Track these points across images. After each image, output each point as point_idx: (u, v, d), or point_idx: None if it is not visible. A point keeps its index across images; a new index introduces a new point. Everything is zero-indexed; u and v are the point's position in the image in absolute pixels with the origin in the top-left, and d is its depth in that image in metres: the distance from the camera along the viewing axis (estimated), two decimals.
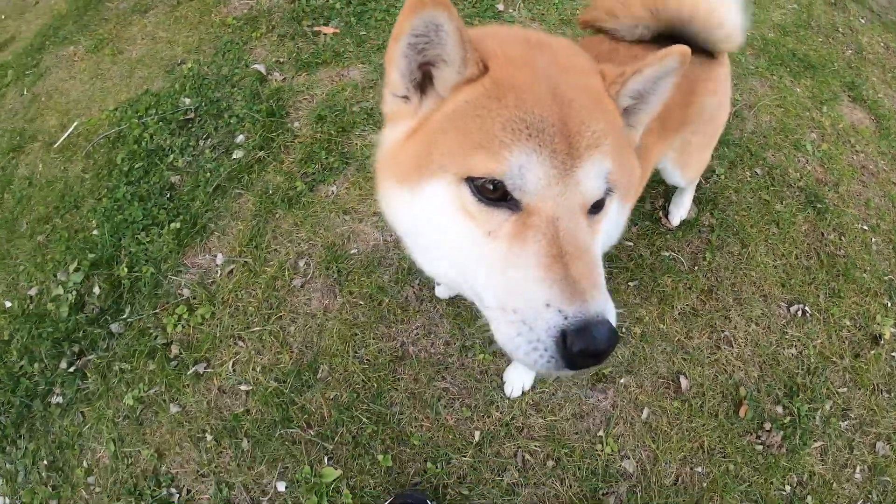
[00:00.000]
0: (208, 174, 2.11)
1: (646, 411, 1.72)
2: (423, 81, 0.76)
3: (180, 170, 2.19)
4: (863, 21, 3.64)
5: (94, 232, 2.18)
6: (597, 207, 0.74)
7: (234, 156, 2.14)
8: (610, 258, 1.89)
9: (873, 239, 2.23)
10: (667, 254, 1.98)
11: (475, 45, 0.72)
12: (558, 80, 0.72)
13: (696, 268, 1.99)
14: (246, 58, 2.54)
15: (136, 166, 2.31)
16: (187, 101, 2.44)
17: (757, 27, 3.09)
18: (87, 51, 3.26)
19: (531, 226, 0.67)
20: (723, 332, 1.84)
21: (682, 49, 0.75)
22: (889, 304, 2.03)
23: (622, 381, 1.75)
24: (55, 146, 2.74)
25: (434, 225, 0.74)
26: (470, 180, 0.69)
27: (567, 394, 1.74)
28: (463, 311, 1.77)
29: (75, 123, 2.79)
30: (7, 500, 1.75)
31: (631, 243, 1.97)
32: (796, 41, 3.12)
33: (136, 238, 2.05)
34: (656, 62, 0.75)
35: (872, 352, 1.89)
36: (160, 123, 2.41)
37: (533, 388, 1.71)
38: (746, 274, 2.00)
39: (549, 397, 1.71)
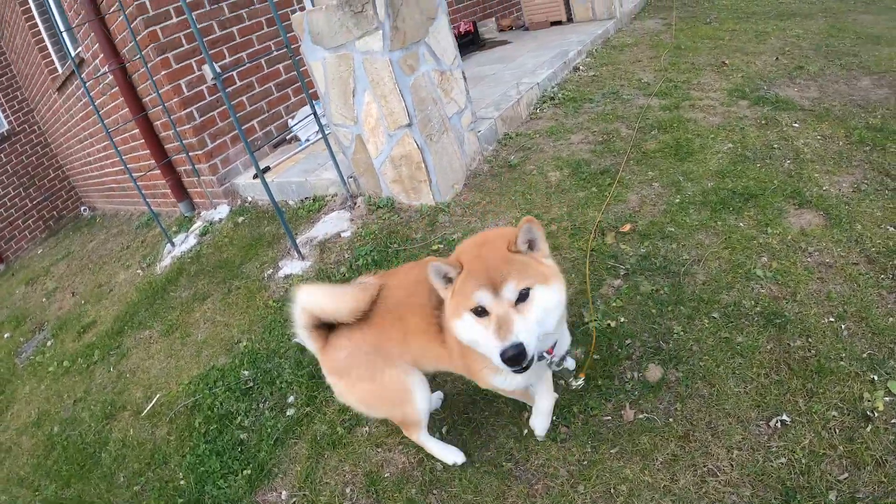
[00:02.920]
0: (269, 429, 2.73)
1: None
2: (448, 279, 1.58)
3: (247, 428, 2.82)
4: (796, 125, 3.99)
5: (182, 482, 2.71)
6: (522, 298, 1.49)
7: (287, 413, 2.77)
8: (594, 435, 2.18)
9: (842, 326, 2.32)
10: (642, 416, 2.17)
11: (458, 260, 1.58)
12: (487, 256, 1.54)
13: (671, 420, 2.12)
14: (287, 332, 3.23)
15: (212, 428, 2.92)
16: (246, 373, 3.12)
17: (696, 184, 3.42)
18: (161, 334, 3.97)
19: (491, 319, 1.46)
20: (705, 466, 1.95)
21: (528, 218, 1.55)
22: (875, 378, 2.08)
23: None
24: (142, 414, 3.34)
25: (466, 327, 1.54)
26: (472, 310, 1.51)
27: None
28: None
29: (157, 395, 3.41)
30: None
31: (609, 417, 2.24)
32: (734, 179, 3.40)
33: (216, 484, 2.60)
34: (519, 230, 1.55)
35: (868, 429, 1.93)
36: (227, 392, 3.07)
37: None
38: (720, 409, 2.10)
39: None
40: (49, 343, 5.09)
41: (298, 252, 3.78)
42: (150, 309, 4.43)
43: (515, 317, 1.43)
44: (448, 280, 1.58)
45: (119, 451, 3.20)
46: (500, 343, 1.40)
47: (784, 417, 2.03)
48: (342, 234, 3.87)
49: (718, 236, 2.95)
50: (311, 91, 5.60)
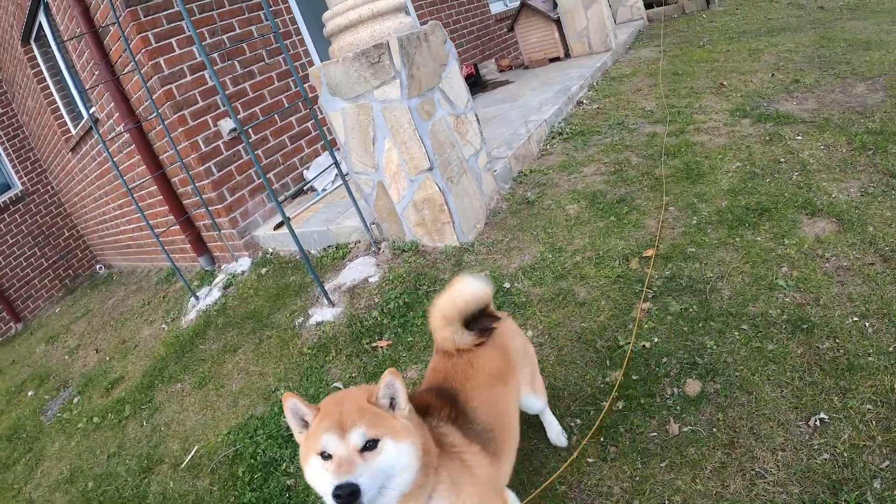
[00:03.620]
0: None
1: None
2: (304, 423, 1.52)
3: (293, 474, 2.82)
4: (799, 138, 4.09)
5: None
6: (370, 448, 1.37)
7: None
8: (642, 451, 2.22)
9: (867, 324, 2.41)
10: (686, 429, 2.22)
11: (318, 409, 1.48)
12: (344, 404, 1.48)
13: (715, 429, 2.18)
14: (325, 378, 3.28)
15: (256, 476, 2.92)
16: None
17: (710, 204, 3.50)
18: (193, 387, 3.98)
19: (333, 461, 1.38)
20: (753, 469, 2.01)
21: (391, 370, 1.52)
22: None
23: None
24: (182, 466, 3.32)
25: (312, 472, 1.45)
26: (319, 453, 1.43)
27: None
28: None
29: (196, 447, 3.40)
30: None
31: (655, 433, 2.28)
32: (747, 196, 3.49)
33: None
34: (382, 384, 1.52)
35: None
36: (269, 440, 3.08)
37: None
38: (760, 414, 2.17)
39: None
40: (76, 400, 5.09)
41: (328, 299, 3.85)
42: (179, 362, 4.47)
43: (358, 460, 1.36)
44: (305, 424, 1.53)
45: (160, 503, 3.20)
46: (333, 480, 1.32)
47: (822, 416, 2.10)
48: (370, 280, 3.94)
49: (738, 252, 3.05)
50: (329, 138, 5.77)
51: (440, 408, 1.71)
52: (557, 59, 8.33)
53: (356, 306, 3.77)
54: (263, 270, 5.01)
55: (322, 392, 3.24)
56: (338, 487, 1.30)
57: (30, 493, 4.06)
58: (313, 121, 6.09)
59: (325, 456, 1.39)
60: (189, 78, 5.13)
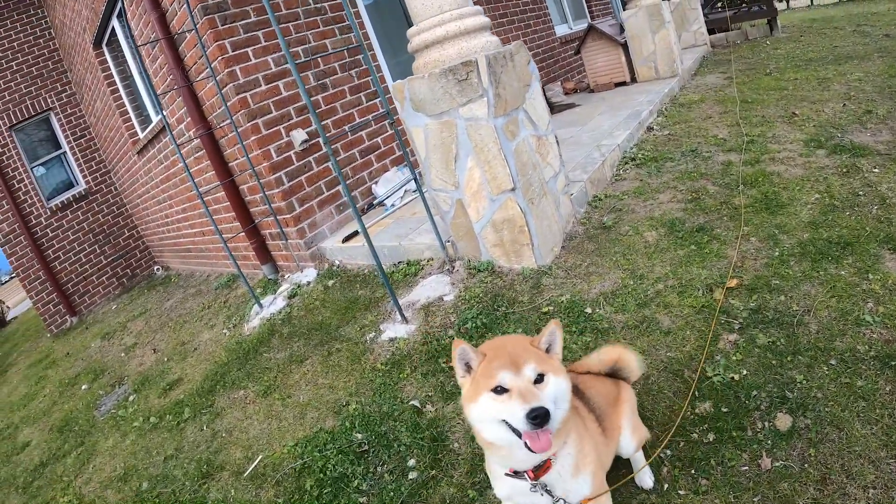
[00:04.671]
0: (391, 493, 2.67)
1: None
2: (468, 368, 1.71)
3: (365, 492, 2.76)
4: (876, 171, 4.05)
5: None
6: (539, 380, 1.58)
7: (409, 476, 2.72)
8: (734, 485, 2.18)
9: None
10: (778, 464, 2.22)
11: (482, 352, 1.69)
12: (510, 347, 1.66)
13: (806, 465, 2.16)
14: (399, 395, 3.23)
15: (325, 491, 2.85)
16: (359, 435, 3.09)
17: (791, 236, 3.49)
18: (257, 395, 3.94)
19: (513, 393, 1.55)
20: None
21: (555, 321, 1.72)
22: None
23: None
24: (244, 475, 3.27)
25: (483, 407, 1.61)
26: (492, 389, 1.58)
27: None
28: None
29: (260, 457, 3.34)
30: None
31: (746, 467, 2.25)
32: (828, 229, 3.46)
33: None
34: (545, 334, 1.71)
35: None
36: (339, 455, 3.02)
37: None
38: (851, 451, 2.15)
39: None
40: (131, 398, 5.12)
41: (402, 315, 3.81)
42: (242, 369, 4.46)
43: (535, 390, 1.56)
44: (468, 368, 1.71)
45: None
46: (526, 405, 1.51)
47: None
48: (444, 298, 3.89)
49: (823, 286, 3.01)
50: (406, 153, 5.76)
51: None
52: (623, 83, 8.25)
53: (431, 324, 3.72)
54: (330, 283, 5.00)
55: (396, 410, 3.19)
56: (533, 410, 1.49)
57: (80, 487, 4.07)
58: (384, 136, 6.12)
59: (499, 391, 1.57)
60: (263, 87, 5.20)
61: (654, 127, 6.05)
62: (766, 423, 2.38)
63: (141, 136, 7.97)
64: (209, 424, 3.99)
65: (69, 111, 9.80)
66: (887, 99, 5.42)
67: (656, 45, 7.86)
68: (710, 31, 10.74)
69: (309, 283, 5.22)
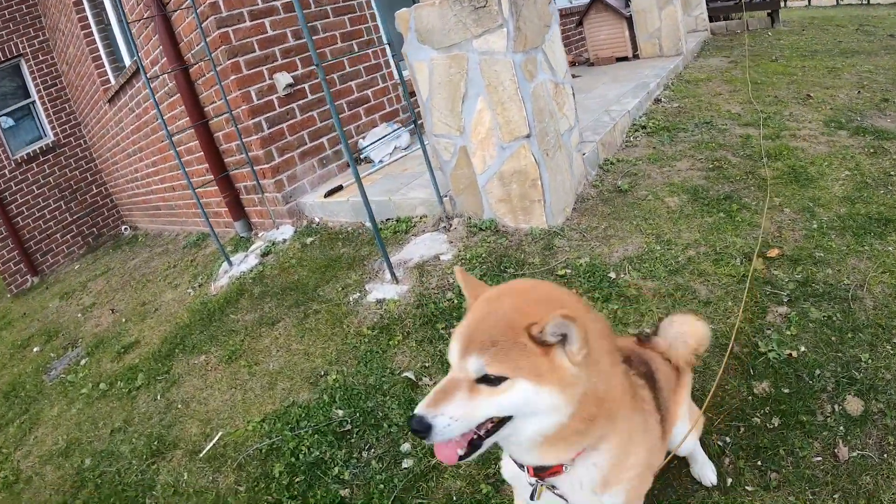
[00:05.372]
0: (381, 486, 2.22)
1: None
2: None
3: (348, 482, 2.30)
4: None
5: None
6: (492, 382, 1.08)
7: (403, 465, 2.27)
8: (809, 479, 1.90)
9: None
10: (854, 453, 1.95)
11: (475, 294, 1.24)
12: (489, 313, 1.13)
13: (886, 455, 1.94)
14: (389, 365, 2.78)
15: (297, 480, 2.38)
16: (340, 412, 2.63)
17: (827, 209, 3.33)
18: (220, 361, 3.49)
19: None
20: None
21: (564, 312, 1.05)
22: None
23: None
24: (201, 455, 2.78)
25: None
26: None
27: None
28: None
29: (219, 434, 2.86)
30: None
31: (819, 458, 1.97)
32: (865, 205, 3.35)
33: None
34: (548, 322, 1.06)
35: None
36: (315, 435, 2.54)
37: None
38: None
39: None
40: (83, 362, 4.63)
41: (393, 275, 3.34)
42: (205, 331, 3.97)
43: (460, 395, 1.09)
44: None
45: (169, 498, 2.64)
46: (421, 406, 1.10)
47: None
48: (441, 258, 3.43)
49: (872, 261, 2.86)
50: (388, 111, 5.32)
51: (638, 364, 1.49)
52: (625, 58, 7.86)
53: (426, 285, 3.26)
54: (309, 240, 4.51)
55: (385, 382, 2.74)
56: (413, 418, 1.14)
57: (18, 460, 3.58)
58: (374, 89, 5.61)
59: None
60: (248, 23, 4.67)
61: (662, 99, 5.73)
62: (836, 407, 2.12)
63: (113, 81, 7.35)
64: (164, 393, 3.49)
65: (41, 58, 9.02)
66: None
67: (662, 21, 7.51)
68: (710, 19, 10.47)
69: (285, 240, 4.71)
